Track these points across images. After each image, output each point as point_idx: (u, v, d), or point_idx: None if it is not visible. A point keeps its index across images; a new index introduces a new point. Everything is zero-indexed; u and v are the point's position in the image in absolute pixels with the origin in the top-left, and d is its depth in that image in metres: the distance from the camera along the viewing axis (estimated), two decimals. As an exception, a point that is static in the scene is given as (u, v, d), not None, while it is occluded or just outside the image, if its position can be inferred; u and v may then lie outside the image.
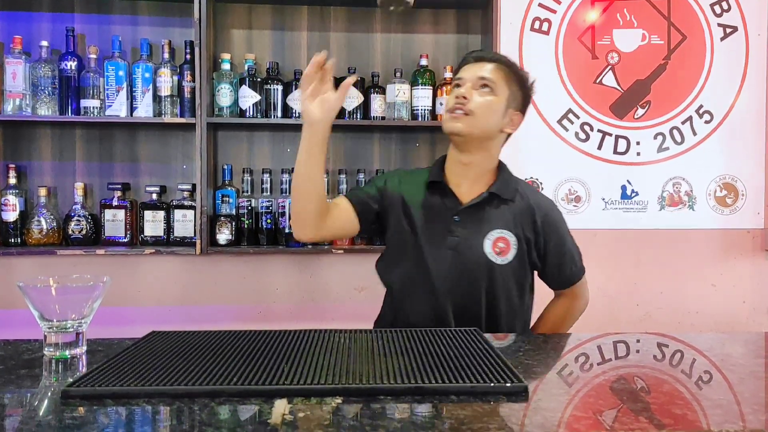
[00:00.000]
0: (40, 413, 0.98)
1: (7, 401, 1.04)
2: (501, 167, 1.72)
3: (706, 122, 2.81)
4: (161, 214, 2.58)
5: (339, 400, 1.00)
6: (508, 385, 1.04)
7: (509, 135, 1.70)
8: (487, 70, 1.62)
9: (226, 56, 2.58)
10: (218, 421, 0.93)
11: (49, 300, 1.23)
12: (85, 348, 1.28)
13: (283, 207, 2.56)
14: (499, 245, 1.61)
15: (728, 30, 2.80)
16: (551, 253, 1.69)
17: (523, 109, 1.70)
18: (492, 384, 1.04)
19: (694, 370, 1.29)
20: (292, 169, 2.61)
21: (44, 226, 2.53)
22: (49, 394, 1.06)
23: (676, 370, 1.29)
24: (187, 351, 1.23)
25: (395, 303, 1.71)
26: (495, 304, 1.64)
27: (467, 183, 1.67)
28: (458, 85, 1.64)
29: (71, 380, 1.06)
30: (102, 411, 0.96)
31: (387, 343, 1.29)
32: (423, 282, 1.64)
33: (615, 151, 2.80)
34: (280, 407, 0.96)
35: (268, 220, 2.59)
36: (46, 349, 1.25)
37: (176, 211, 2.58)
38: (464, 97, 1.59)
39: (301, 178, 1.56)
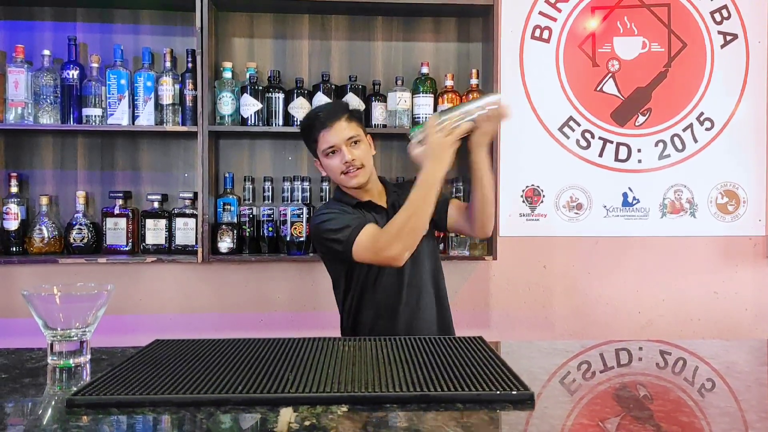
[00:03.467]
0: (45, 422, 0.98)
1: (12, 410, 1.04)
2: (383, 180, 2.09)
3: (707, 129, 2.82)
4: (163, 222, 2.58)
5: (345, 408, 1.00)
6: (514, 392, 1.04)
7: None
8: (347, 128, 1.90)
9: (228, 65, 2.58)
10: (224, 429, 0.93)
11: (53, 308, 1.23)
12: (89, 356, 1.27)
13: (285, 215, 2.56)
14: None
15: (728, 38, 2.81)
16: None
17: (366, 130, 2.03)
18: (498, 392, 1.04)
19: (698, 377, 1.29)
20: (294, 176, 2.65)
21: (46, 235, 2.53)
22: (54, 403, 1.06)
23: (680, 377, 1.29)
24: (192, 359, 1.23)
25: (360, 289, 1.97)
26: (435, 259, 2.05)
27: (375, 196, 2.01)
28: (333, 151, 1.90)
29: (76, 389, 1.06)
30: (107, 420, 0.96)
31: (392, 351, 1.29)
32: (389, 273, 1.93)
33: (616, 159, 2.80)
34: (286, 415, 0.96)
35: (270, 228, 2.59)
36: (50, 357, 1.25)
37: (178, 219, 2.58)
38: (352, 160, 1.89)
39: (428, 213, 1.77)
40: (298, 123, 2.55)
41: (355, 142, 1.91)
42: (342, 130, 1.89)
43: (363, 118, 2.08)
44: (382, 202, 2.01)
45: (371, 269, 1.92)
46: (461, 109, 1.75)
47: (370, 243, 1.79)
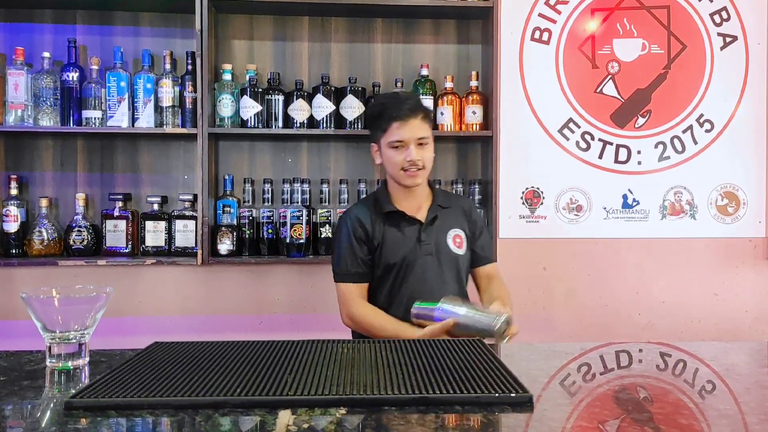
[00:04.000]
0: (43, 425, 0.98)
1: (10, 413, 1.04)
2: (431, 184, 2.09)
3: (707, 131, 2.82)
4: (162, 224, 2.58)
5: (343, 411, 0.99)
6: (513, 395, 1.03)
7: None
8: (420, 128, 1.91)
9: (228, 67, 2.58)
10: (222, 432, 0.93)
11: (52, 311, 1.22)
12: (87, 359, 1.27)
13: (284, 217, 2.56)
14: (456, 240, 2.01)
15: (728, 39, 2.81)
16: (478, 237, 2.09)
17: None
18: (497, 394, 1.03)
19: (698, 379, 1.28)
20: (293, 179, 2.64)
21: (45, 237, 2.52)
22: (52, 405, 1.06)
23: (680, 380, 1.28)
24: (191, 362, 1.23)
25: (387, 292, 2.00)
26: (461, 286, 2.04)
27: (416, 204, 2.01)
28: (401, 146, 1.90)
29: (74, 391, 1.06)
30: (105, 423, 0.96)
31: (390, 354, 1.29)
32: (413, 290, 1.95)
33: (616, 160, 2.80)
34: (285, 418, 0.96)
35: (270, 230, 2.59)
36: (48, 360, 1.24)
37: (177, 221, 2.58)
38: (417, 160, 1.91)
39: (383, 336, 1.83)
40: (298, 125, 2.55)
41: (424, 144, 1.92)
42: (415, 128, 1.90)
43: (434, 120, 2.08)
44: (421, 212, 2.01)
45: (396, 280, 1.98)
46: (469, 316, 1.72)
47: (340, 297, 1.98)
